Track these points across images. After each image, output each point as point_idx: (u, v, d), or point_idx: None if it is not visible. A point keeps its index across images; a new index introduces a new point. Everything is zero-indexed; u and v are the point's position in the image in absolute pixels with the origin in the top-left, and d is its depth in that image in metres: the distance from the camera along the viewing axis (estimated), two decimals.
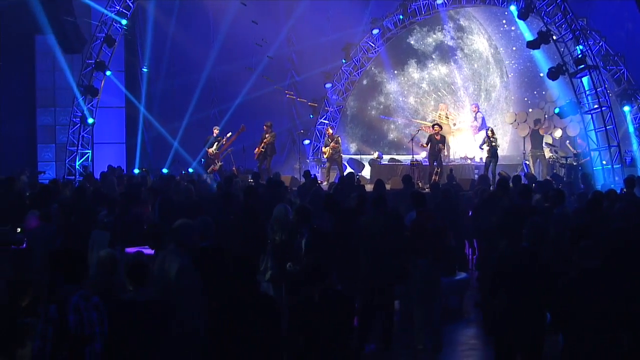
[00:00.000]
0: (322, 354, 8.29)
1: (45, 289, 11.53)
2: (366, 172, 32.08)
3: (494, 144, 27.13)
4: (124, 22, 31.72)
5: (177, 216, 11.95)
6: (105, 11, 31.24)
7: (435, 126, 28.69)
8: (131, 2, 31.49)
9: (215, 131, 31.22)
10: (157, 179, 25.32)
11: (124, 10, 31.47)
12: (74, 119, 32.58)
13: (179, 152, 34.62)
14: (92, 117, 32.59)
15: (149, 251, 13.21)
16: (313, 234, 12.79)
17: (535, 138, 29.71)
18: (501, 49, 34.75)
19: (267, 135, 30.38)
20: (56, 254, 7.67)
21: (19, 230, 16.75)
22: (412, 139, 29.50)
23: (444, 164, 28.82)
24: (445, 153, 30.70)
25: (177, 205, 17.76)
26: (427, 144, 28.32)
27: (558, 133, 30.92)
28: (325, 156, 31.53)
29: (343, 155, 31.68)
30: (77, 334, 7.26)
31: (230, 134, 31.12)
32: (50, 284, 7.76)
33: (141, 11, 33.48)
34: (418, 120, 34.22)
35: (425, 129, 31.33)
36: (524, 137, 31.12)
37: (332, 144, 30.59)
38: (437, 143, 27.90)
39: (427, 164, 28.45)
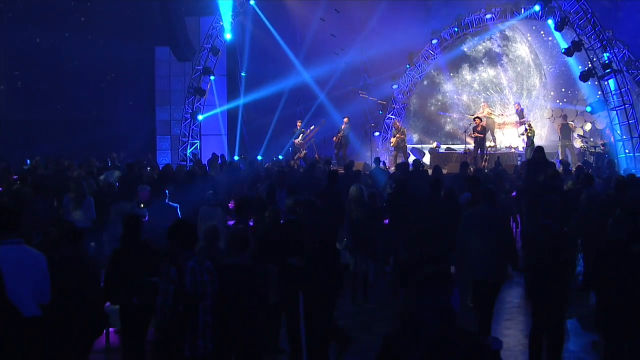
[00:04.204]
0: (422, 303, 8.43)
1: (165, 255, 11.73)
2: (426, 159, 31.99)
3: (529, 134, 27.24)
4: (227, 36, 32.08)
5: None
6: (232, 16, 31.58)
7: (476, 119, 28.79)
8: (232, 18, 31.79)
9: (298, 124, 31.46)
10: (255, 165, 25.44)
11: (226, 25, 31.81)
12: (186, 115, 33.06)
13: (271, 142, 34.91)
14: (201, 114, 33.09)
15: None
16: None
17: (565, 130, 29.40)
18: (540, 55, 34.44)
19: (343, 128, 30.61)
20: (174, 227, 7.81)
21: (142, 205, 17.01)
22: (465, 132, 29.64)
23: (492, 152, 28.79)
24: (493, 143, 30.62)
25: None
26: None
27: (588, 126, 30.76)
28: (391, 145, 31.63)
29: (407, 145, 31.76)
30: (192, 292, 7.41)
31: (313, 127, 31.34)
32: (169, 251, 7.88)
33: (240, 26, 33.66)
34: (469, 116, 33.98)
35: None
36: (557, 129, 30.85)
37: (398, 135, 30.75)
38: (477, 132, 28.34)
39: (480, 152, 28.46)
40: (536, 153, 18.68)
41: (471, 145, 29.74)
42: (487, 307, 10.70)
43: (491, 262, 10.39)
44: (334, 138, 30.91)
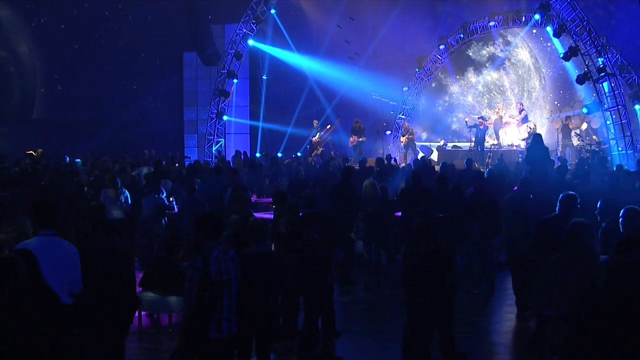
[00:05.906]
0: (423, 282, 8.75)
1: (192, 245, 11.79)
2: (434, 156, 31.94)
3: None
4: (249, 42, 32.20)
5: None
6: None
7: (479, 119, 28.91)
8: (254, 25, 31.86)
9: (315, 124, 31.50)
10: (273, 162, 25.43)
11: (248, 32, 31.90)
12: (211, 115, 33.20)
13: (290, 140, 34.98)
14: (225, 114, 33.19)
15: (269, 216, 13.44)
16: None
17: (566, 130, 29.38)
18: (540, 59, 34.37)
19: (356, 127, 30.63)
20: (200, 218, 7.82)
21: (171, 199, 17.09)
22: (470, 130, 29.70)
23: (495, 149, 28.79)
24: (496, 141, 30.56)
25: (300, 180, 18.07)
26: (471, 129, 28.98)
27: (584, 126, 30.66)
28: (402, 144, 31.73)
29: (416, 143, 31.85)
30: (217, 280, 7.41)
31: (329, 126, 31.34)
32: (196, 241, 7.93)
33: (262, 32, 33.70)
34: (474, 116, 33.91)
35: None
36: (557, 129, 30.79)
37: (407, 135, 30.89)
38: (479, 131, 28.68)
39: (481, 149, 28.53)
40: (535, 142, 18.71)
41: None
42: (527, 279, 11.06)
43: (526, 239, 11.07)
44: (351, 138, 30.94)
